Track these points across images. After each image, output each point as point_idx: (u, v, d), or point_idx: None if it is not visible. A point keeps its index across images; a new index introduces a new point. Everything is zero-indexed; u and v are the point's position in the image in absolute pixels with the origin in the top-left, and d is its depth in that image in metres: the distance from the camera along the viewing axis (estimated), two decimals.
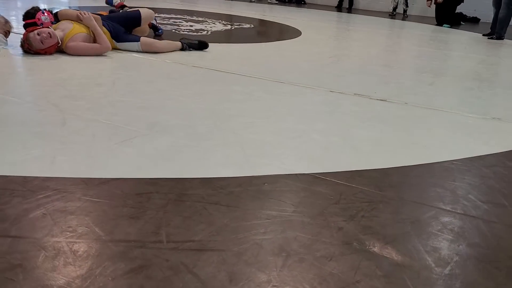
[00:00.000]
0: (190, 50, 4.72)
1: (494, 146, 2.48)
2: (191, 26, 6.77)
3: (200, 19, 7.76)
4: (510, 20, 7.50)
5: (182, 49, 4.68)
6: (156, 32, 5.56)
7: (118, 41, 4.36)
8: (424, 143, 2.50)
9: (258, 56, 4.92)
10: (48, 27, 3.94)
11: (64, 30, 4.04)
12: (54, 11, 4.30)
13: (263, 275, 1.34)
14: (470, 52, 6.28)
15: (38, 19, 3.94)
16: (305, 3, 13.95)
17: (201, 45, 4.81)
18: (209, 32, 6.31)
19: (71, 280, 1.26)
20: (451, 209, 1.76)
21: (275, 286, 1.29)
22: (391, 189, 1.92)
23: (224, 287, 1.28)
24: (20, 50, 3.97)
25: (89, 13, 4.21)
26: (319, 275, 1.34)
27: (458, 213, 1.73)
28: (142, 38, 4.44)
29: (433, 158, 2.28)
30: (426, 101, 3.38)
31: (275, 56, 4.96)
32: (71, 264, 1.33)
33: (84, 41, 4.07)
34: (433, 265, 1.40)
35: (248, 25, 7.57)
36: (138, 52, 4.36)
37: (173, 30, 6.11)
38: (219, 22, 7.56)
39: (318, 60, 4.81)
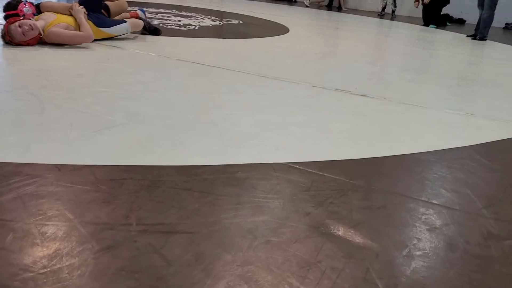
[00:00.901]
0: (145, 33, 5.10)
1: (465, 139, 2.54)
2: (179, 21, 6.78)
3: (189, 14, 7.78)
4: (492, 21, 7.63)
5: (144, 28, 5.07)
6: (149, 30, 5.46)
7: (106, 26, 4.40)
8: (398, 136, 2.56)
9: (243, 51, 4.95)
10: (30, 19, 3.93)
11: (46, 20, 4.02)
12: (36, 3, 4.29)
13: (228, 256, 1.37)
14: (453, 52, 6.38)
15: (20, 10, 3.93)
16: (295, 1, 14.00)
17: (155, 31, 5.18)
18: (197, 27, 6.33)
19: (37, 259, 1.29)
20: (416, 197, 1.81)
21: (238, 265, 1.33)
22: (361, 178, 1.97)
23: (189, 266, 1.32)
24: (0, 42, 3.95)
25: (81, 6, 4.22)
26: (282, 256, 1.38)
27: (422, 200, 1.79)
28: (128, 20, 4.71)
29: (405, 150, 2.33)
30: (404, 96, 3.44)
31: (261, 52, 5.00)
32: (38, 245, 1.35)
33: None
34: (392, 247, 1.45)
35: (236, 21, 7.60)
36: (127, 34, 4.67)
37: (161, 25, 6.12)
38: (208, 18, 7.58)
39: (303, 56, 4.86)
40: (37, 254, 1.31)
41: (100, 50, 4.16)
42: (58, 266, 1.27)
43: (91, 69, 3.53)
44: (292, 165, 2.06)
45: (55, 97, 2.69)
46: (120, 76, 3.35)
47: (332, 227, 1.56)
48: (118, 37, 4.66)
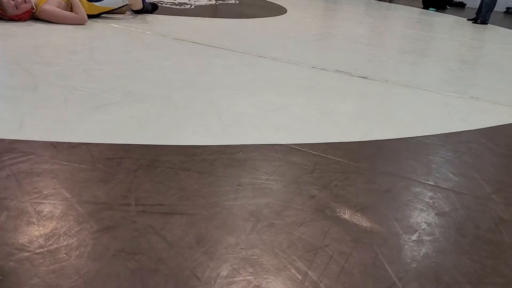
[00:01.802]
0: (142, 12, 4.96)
1: (470, 123, 2.50)
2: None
3: None
4: (495, 6, 7.54)
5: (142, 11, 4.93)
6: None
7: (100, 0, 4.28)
8: (401, 119, 2.50)
9: (241, 32, 4.84)
10: None
11: None
12: None
13: (231, 238, 1.32)
14: (455, 35, 6.30)
15: None
16: None
17: (154, 8, 5.10)
18: (193, 6, 6.19)
19: (33, 238, 1.23)
20: (422, 181, 1.77)
21: (242, 248, 1.28)
22: (365, 160, 1.92)
23: (191, 248, 1.27)
24: None
25: None
26: (288, 239, 1.33)
27: (429, 184, 1.74)
28: None
29: (409, 133, 2.28)
30: (406, 79, 3.38)
31: (259, 32, 4.89)
32: (34, 224, 1.29)
33: (59, 8, 3.94)
34: (401, 231, 1.41)
35: (233, 1, 7.44)
36: (125, 13, 4.53)
37: (156, 2, 5.96)
38: None
39: (302, 37, 4.77)
40: (33, 233, 1.25)
41: (95, 27, 4.04)
42: (56, 246, 1.22)
43: (86, 46, 3.42)
44: (294, 146, 2.00)
45: (49, 74, 2.60)
46: (116, 54, 3.25)
47: (338, 210, 1.51)
48: (114, 13, 4.53)
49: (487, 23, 7.59)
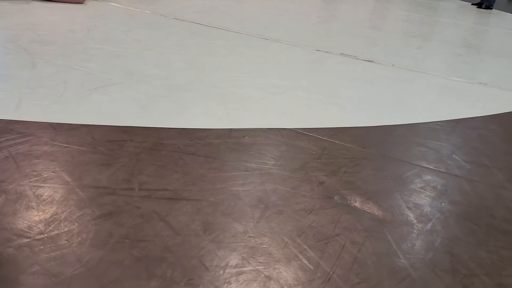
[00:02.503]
0: None
1: (480, 109, 2.44)
2: None
3: None
4: None
5: None
6: None
7: None
8: (409, 104, 2.45)
9: (242, 13, 4.73)
10: None
11: None
12: None
13: (239, 226, 1.28)
14: (459, 20, 6.19)
15: None
16: None
17: None
18: None
19: (33, 224, 1.18)
20: (434, 168, 1.72)
21: (251, 236, 1.24)
22: (374, 146, 1.86)
23: (198, 236, 1.22)
24: None
25: None
26: (297, 227, 1.29)
27: (441, 172, 1.69)
28: None
29: (418, 118, 2.23)
30: (413, 64, 3.31)
31: (261, 14, 4.78)
32: (33, 208, 1.24)
33: None
34: (414, 221, 1.36)
35: None
36: None
37: None
38: None
39: (305, 20, 4.66)
40: (33, 219, 1.20)
41: (93, 6, 3.93)
42: (56, 232, 1.17)
43: (84, 25, 3.32)
44: (300, 131, 1.94)
45: (46, 52, 2.51)
46: (115, 33, 3.16)
47: (348, 197, 1.46)
48: None
49: (491, 8, 7.47)
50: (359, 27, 4.63)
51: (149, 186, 1.42)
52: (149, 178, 1.46)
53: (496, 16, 6.94)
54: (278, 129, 1.94)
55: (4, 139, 1.56)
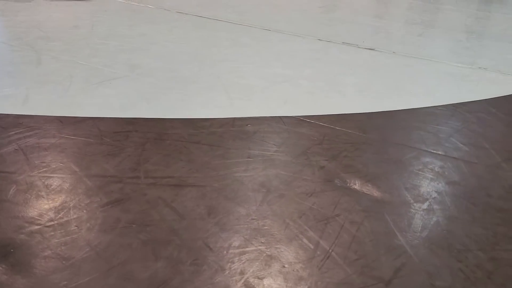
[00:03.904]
0: None
1: (479, 93, 2.46)
2: None
3: None
4: None
5: None
6: None
7: None
8: (410, 90, 2.47)
9: (245, 4, 4.75)
10: None
11: None
12: None
13: (242, 209, 1.32)
14: (461, 6, 6.16)
15: None
16: None
17: None
18: None
19: (43, 212, 1.23)
20: (432, 151, 1.75)
21: (254, 219, 1.28)
22: (374, 131, 1.90)
23: (202, 219, 1.27)
24: None
25: None
26: (298, 210, 1.33)
27: (439, 154, 1.72)
28: None
29: (418, 103, 2.25)
30: (414, 50, 3.32)
31: (263, 5, 4.80)
32: (43, 197, 1.29)
33: None
34: (411, 201, 1.40)
35: None
36: None
37: None
38: None
39: (307, 9, 4.67)
40: (43, 207, 1.25)
41: (97, 2, 3.97)
42: (66, 219, 1.22)
43: (88, 21, 3.37)
44: (302, 118, 1.98)
45: (52, 49, 2.57)
46: (119, 28, 3.20)
47: (348, 180, 1.50)
48: None
49: None
50: (361, 16, 4.63)
51: (154, 174, 1.47)
52: (154, 166, 1.51)
53: (497, 2, 6.89)
54: (280, 117, 1.98)
55: (13, 132, 1.62)
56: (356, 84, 2.47)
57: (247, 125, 1.87)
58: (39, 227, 1.18)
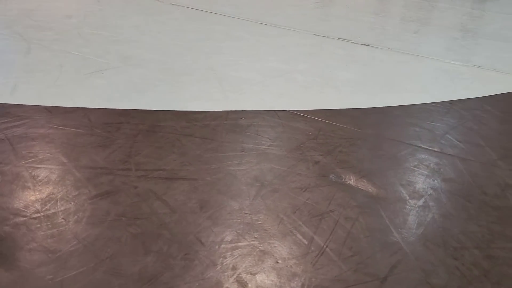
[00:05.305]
0: None
1: (474, 91, 2.45)
2: None
3: None
4: None
5: None
6: None
7: None
8: (405, 86, 2.45)
9: None
10: None
11: None
12: None
13: (235, 203, 1.29)
14: (456, 4, 6.16)
15: None
16: None
17: None
18: None
19: (29, 203, 1.19)
20: (428, 147, 1.73)
21: (247, 213, 1.25)
22: (370, 127, 1.88)
23: (194, 213, 1.23)
24: None
25: None
26: (292, 204, 1.30)
27: (435, 151, 1.71)
28: None
29: (413, 100, 2.23)
30: (410, 47, 3.30)
31: None
32: (30, 189, 1.25)
33: None
34: (407, 197, 1.38)
35: None
36: None
37: None
38: None
39: (304, 5, 4.64)
40: (29, 198, 1.21)
41: None
42: (53, 211, 1.18)
43: (80, 10, 3.31)
44: (297, 112, 1.95)
45: (42, 38, 2.51)
46: (111, 18, 3.15)
47: (343, 176, 1.48)
48: None
49: None
50: (357, 12, 4.61)
51: (146, 166, 1.43)
52: (146, 158, 1.47)
53: (491, 0, 6.90)
54: (275, 111, 1.95)
55: (0, 122, 1.57)
56: (351, 79, 2.45)
57: (241, 118, 1.84)
58: (24, 218, 1.15)
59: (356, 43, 3.27)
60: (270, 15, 3.90)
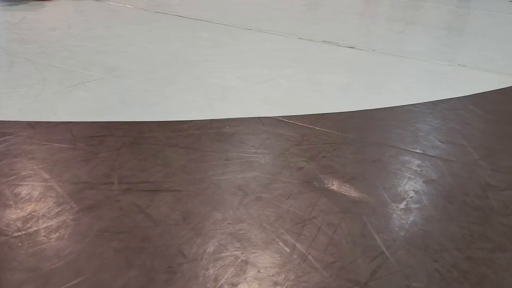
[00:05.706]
0: None
1: (458, 90, 2.47)
2: None
3: None
4: None
5: None
6: None
7: None
8: (389, 88, 2.47)
9: (226, 3, 4.71)
10: None
11: None
12: None
13: (218, 214, 1.30)
14: (441, 3, 6.22)
15: None
16: None
17: None
18: None
19: (10, 222, 1.19)
20: (410, 149, 1.75)
21: (230, 223, 1.26)
22: (353, 131, 1.89)
23: (177, 225, 1.24)
24: None
25: None
26: (275, 212, 1.31)
27: (417, 152, 1.72)
28: None
29: (397, 101, 2.25)
30: (394, 48, 3.33)
31: (244, 4, 4.77)
32: (11, 207, 1.25)
33: None
34: (389, 200, 1.39)
35: None
36: None
37: None
38: None
39: (289, 8, 4.66)
40: (10, 217, 1.21)
41: (72, 2, 3.90)
42: (34, 228, 1.18)
43: (64, 22, 3.30)
44: (281, 119, 1.96)
45: (26, 51, 2.50)
46: (96, 29, 3.14)
47: (326, 181, 1.49)
48: None
49: None
50: (342, 14, 4.64)
51: (129, 179, 1.43)
52: (129, 171, 1.48)
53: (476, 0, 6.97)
54: (259, 118, 1.96)
55: None
56: (336, 83, 2.46)
57: (225, 126, 1.85)
58: (5, 237, 1.14)
59: (341, 46, 3.30)
60: (256, 20, 3.91)
